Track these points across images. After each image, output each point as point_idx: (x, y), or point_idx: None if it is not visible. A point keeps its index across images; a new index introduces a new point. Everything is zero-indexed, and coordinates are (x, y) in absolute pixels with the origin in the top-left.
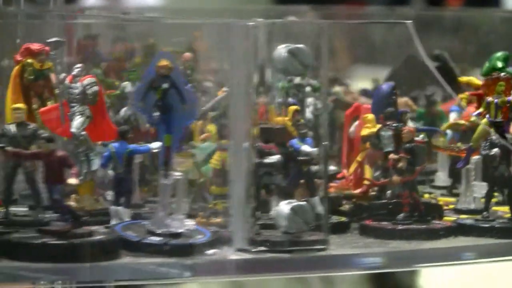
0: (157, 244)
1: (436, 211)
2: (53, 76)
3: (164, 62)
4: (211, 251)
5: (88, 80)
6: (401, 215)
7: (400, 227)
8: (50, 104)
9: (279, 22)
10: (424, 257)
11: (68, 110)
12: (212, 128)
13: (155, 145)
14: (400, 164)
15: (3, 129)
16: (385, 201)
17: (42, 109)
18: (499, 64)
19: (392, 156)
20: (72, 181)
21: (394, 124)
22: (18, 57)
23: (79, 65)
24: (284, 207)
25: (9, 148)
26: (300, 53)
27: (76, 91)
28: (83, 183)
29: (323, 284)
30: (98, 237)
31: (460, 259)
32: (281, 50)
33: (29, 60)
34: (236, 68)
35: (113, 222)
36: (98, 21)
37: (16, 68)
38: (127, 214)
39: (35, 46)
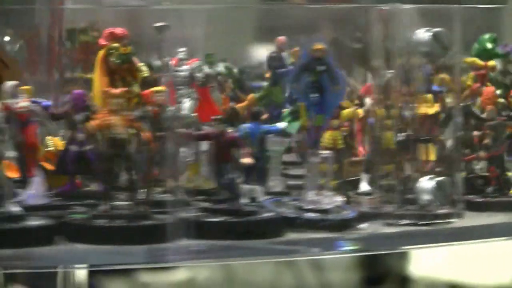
0: (315, 220)
1: None
2: (135, 60)
3: (319, 46)
4: (363, 225)
5: (196, 63)
6: (490, 188)
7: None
8: (134, 88)
9: (419, 7)
10: None
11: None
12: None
13: (282, 125)
14: (486, 141)
15: None
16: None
17: (145, 91)
18: (489, 45)
19: (476, 133)
20: (246, 160)
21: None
22: (102, 42)
23: (183, 48)
24: (427, 182)
25: (182, 130)
26: (443, 36)
27: (183, 74)
28: (193, 164)
29: (312, 269)
30: (265, 215)
31: None
32: (423, 33)
33: (115, 44)
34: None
35: (245, 201)
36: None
37: (101, 52)
38: (262, 193)
39: (118, 30)
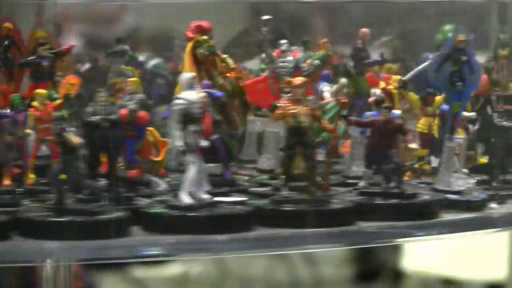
0: (459, 201)
1: None
2: (219, 53)
3: (462, 37)
4: (493, 205)
5: (300, 54)
6: None
7: None
8: (217, 79)
9: None
10: None
11: (277, 83)
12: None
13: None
14: None
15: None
16: None
17: (247, 82)
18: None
19: None
20: (413, 146)
21: None
22: (190, 34)
23: (285, 40)
24: None
25: (352, 118)
26: None
27: (288, 64)
28: None
29: (305, 263)
30: (423, 198)
31: None
32: None
33: (204, 37)
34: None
35: (362, 184)
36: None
37: (189, 44)
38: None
39: (205, 23)
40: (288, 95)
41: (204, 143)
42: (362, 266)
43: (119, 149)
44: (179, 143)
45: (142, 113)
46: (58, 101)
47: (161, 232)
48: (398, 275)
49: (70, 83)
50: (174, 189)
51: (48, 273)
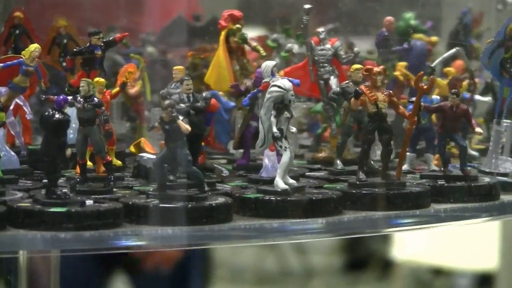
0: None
1: None
2: (250, 41)
3: None
4: None
5: (338, 42)
6: None
7: None
8: (247, 66)
9: None
10: None
11: (315, 70)
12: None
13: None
14: None
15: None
16: None
17: (286, 69)
18: (413, 22)
19: None
20: (479, 130)
21: None
22: (223, 23)
23: (322, 28)
24: None
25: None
26: None
27: (327, 52)
28: (334, 136)
29: (295, 253)
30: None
31: None
32: None
33: (238, 25)
34: None
35: (407, 167)
36: None
37: (223, 33)
38: (431, 160)
39: (237, 12)
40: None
41: (294, 129)
42: (351, 255)
43: (203, 136)
44: (274, 129)
45: (213, 101)
46: (116, 90)
47: (262, 216)
48: (387, 265)
49: (128, 71)
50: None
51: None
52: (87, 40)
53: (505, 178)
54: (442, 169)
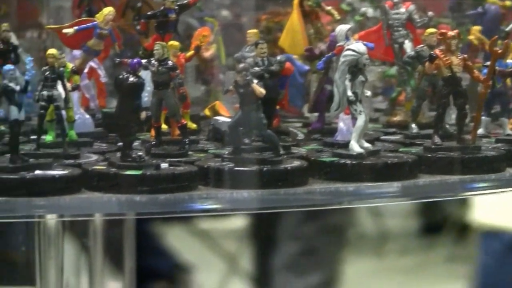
0: None
1: None
2: (323, 5)
3: None
4: None
5: (412, 6)
6: None
7: None
8: (322, 30)
9: None
10: None
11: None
12: None
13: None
14: None
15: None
16: None
17: (361, 33)
18: None
19: None
20: None
21: None
22: None
23: None
24: None
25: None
26: None
27: (401, 16)
28: (409, 100)
29: (372, 216)
30: None
31: None
32: None
33: None
34: None
35: (482, 131)
36: None
37: None
38: (506, 124)
39: None
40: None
41: (368, 93)
42: (427, 218)
43: (277, 100)
44: (349, 93)
45: (288, 65)
46: (190, 53)
47: (337, 180)
48: (463, 228)
49: (202, 34)
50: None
51: None
52: (161, 3)
53: None
54: None
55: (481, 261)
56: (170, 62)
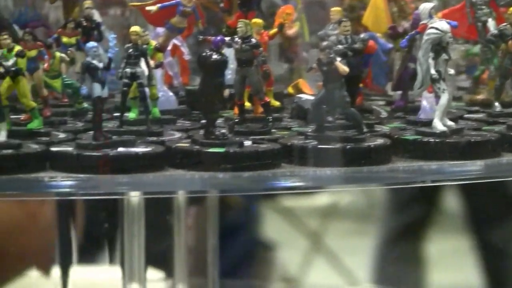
0: None
1: None
2: None
3: None
4: None
5: None
6: None
7: None
8: (406, 8)
9: None
10: None
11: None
12: None
13: None
14: None
15: None
16: None
17: (445, 11)
18: None
19: None
20: None
21: None
22: None
23: None
24: None
25: None
26: None
27: None
28: (493, 78)
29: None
30: None
31: None
32: None
33: None
34: None
35: None
36: None
37: None
38: None
39: None
40: None
41: (452, 71)
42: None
43: (361, 78)
44: (432, 71)
45: (371, 43)
46: (274, 31)
47: (421, 158)
48: None
49: (286, 12)
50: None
51: None
52: None
53: None
54: None
55: None
56: (253, 40)
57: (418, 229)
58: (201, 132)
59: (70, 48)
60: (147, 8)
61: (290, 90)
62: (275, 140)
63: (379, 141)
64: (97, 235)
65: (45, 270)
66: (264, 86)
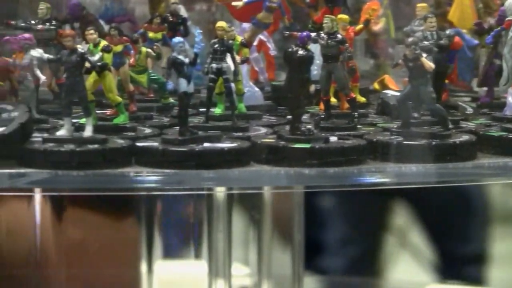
0: None
1: None
2: None
3: None
4: None
5: None
6: None
7: None
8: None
9: None
10: None
11: None
12: None
13: None
14: None
15: None
16: None
17: None
18: None
19: None
20: None
21: None
22: None
23: None
24: None
25: None
26: None
27: None
28: None
29: None
30: None
31: None
32: None
33: None
34: None
35: None
36: None
37: None
38: None
39: None
40: None
41: None
42: None
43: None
44: None
45: (457, 39)
46: (360, 26)
47: (507, 155)
48: None
49: (371, 8)
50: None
51: None
52: None
53: None
54: None
55: None
56: (339, 36)
57: None
58: (287, 127)
59: (156, 43)
60: (233, 3)
61: (376, 86)
62: (360, 136)
63: (465, 137)
64: (182, 230)
65: (131, 265)
66: (349, 82)
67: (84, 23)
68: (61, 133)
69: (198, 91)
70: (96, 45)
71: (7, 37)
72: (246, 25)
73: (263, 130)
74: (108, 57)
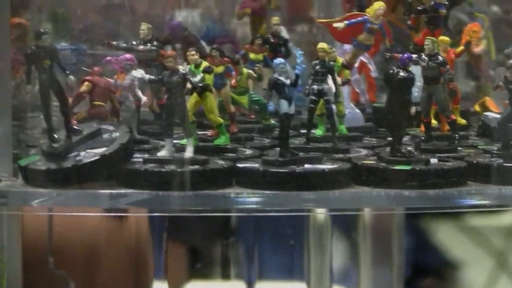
0: None
1: None
2: None
3: None
4: None
5: None
6: None
7: None
8: None
9: None
10: None
11: None
12: None
13: None
14: None
15: None
16: None
17: None
18: None
19: None
20: None
21: None
22: None
23: None
24: None
25: None
26: None
27: None
28: None
29: None
30: None
31: None
32: None
33: None
34: None
35: None
36: None
37: None
38: None
39: None
40: None
41: None
42: None
43: None
44: None
45: None
46: (461, 48)
47: None
48: None
49: (472, 30)
50: None
51: None
52: None
53: None
54: None
55: None
56: (440, 57)
57: None
58: (388, 149)
59: (257, 64)
60: (335, 24)
61: (477, 108)
62: (461, 158)
63: None
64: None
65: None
66: (450, 103)
67: (185, 44)
68: (162, 153)
69: (299, 112)
70: (197, 66)
71: (108, 58)
72: (347, 47)
73: (364, 152)
74: (210, 78)
